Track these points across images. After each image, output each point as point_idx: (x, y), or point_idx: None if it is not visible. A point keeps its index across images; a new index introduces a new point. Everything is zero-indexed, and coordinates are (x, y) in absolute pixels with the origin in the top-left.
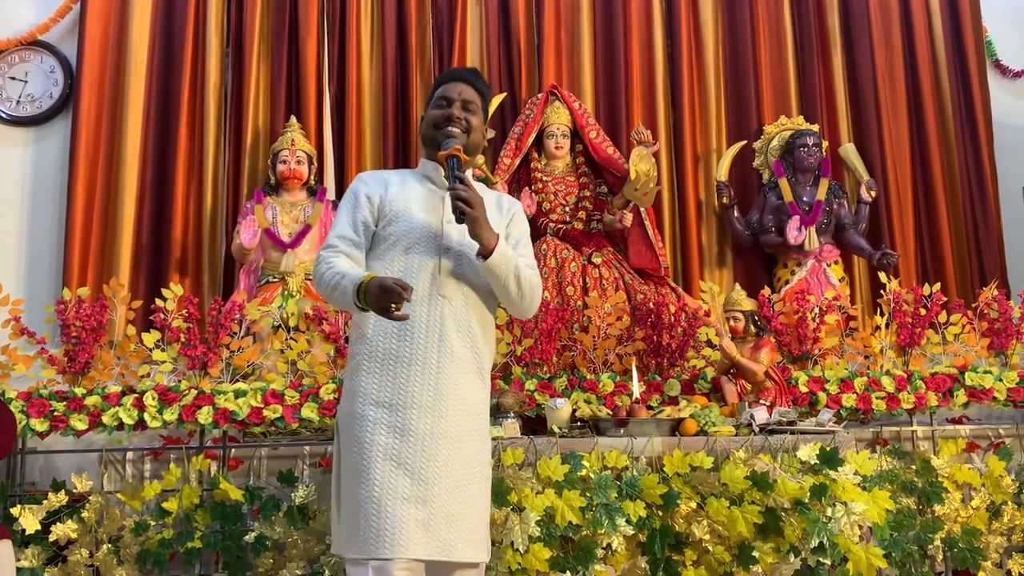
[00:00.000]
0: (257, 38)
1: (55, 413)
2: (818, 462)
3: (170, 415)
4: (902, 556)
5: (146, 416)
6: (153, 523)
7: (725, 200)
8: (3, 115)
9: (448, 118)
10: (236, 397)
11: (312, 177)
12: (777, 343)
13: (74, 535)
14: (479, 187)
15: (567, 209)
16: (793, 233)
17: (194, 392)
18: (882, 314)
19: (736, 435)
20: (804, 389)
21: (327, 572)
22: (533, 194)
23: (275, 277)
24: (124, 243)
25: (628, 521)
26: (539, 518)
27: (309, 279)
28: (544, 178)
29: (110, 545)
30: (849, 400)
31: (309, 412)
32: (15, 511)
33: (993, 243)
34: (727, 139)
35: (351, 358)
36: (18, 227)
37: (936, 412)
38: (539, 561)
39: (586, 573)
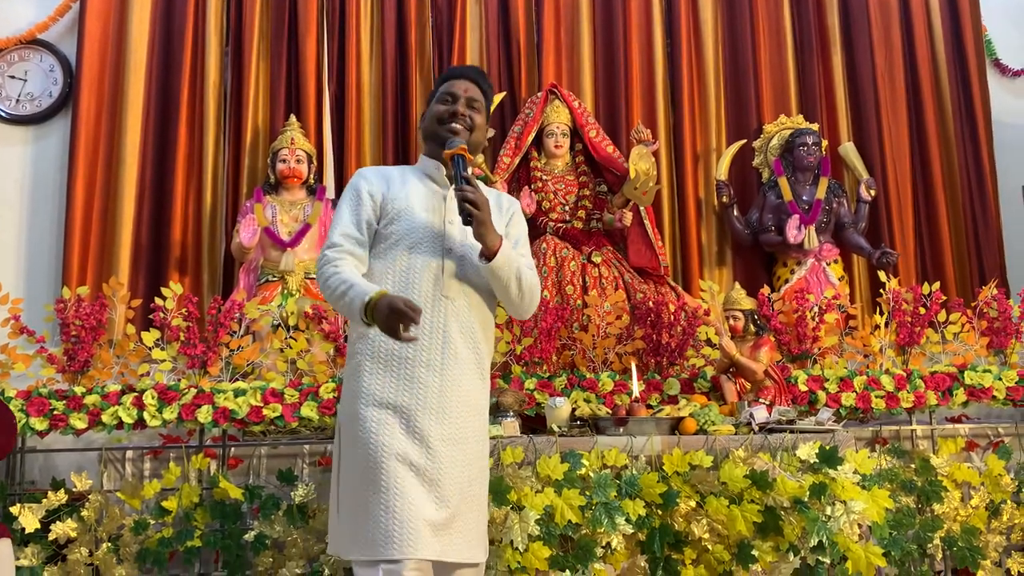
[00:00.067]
0: (256, 37)
1: (55, 412)
2: (817, 461)
3: (169, 414)
4: (901, 555)
5: (145, 415)
6: (153, 522)
7: (725, 199)
8: (2, 114)
9: (453, 114)
10: (236, 396)
11: (312, 176)
12: (776, 342)
13: (74, 534)
14: (480, 187)
15: (567, 208)
16: (793, 232)
17: (193, 391)
18: (881, 313)
19: (735, 434)
20: (803, 388)
21: (326, 571)
22: (533, 193)
23: (275, 276)
24: (123, 242)
25: (627, 520)
26: (539, 517)
27: (308, 278)
28: (544, 177)
29: (110, 544)
30: (848, 399)
31: (309, 411)
32: (15, 510)
33: (993, 242)
34: (727, 138)
35: (351, 357)
36: (18, 226)
37: (935, 411)
38: (539, 560)
39: (585, 572)
